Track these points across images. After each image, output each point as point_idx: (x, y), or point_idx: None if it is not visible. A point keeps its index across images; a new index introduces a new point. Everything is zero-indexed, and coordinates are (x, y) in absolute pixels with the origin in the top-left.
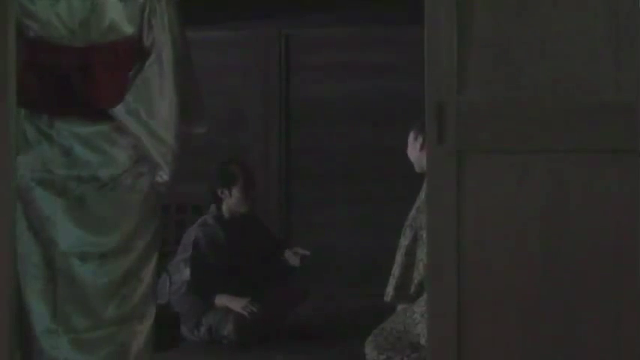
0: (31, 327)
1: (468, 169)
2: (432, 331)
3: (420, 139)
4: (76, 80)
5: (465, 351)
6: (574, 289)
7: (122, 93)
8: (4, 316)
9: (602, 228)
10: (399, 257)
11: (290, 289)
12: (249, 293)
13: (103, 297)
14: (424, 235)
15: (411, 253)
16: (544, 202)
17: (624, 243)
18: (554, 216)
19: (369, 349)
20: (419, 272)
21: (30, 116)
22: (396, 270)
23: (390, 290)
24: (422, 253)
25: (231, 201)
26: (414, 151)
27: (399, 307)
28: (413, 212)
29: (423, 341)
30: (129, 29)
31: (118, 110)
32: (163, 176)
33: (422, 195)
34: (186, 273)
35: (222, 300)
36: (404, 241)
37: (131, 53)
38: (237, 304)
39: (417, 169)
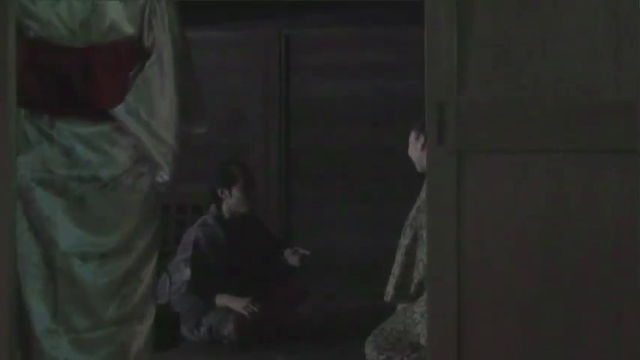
0: (31, 327)
1: (468, 169)
2: (432, 331)
3: (422, 139)
4: (76, 80)
5: (465, 351)
6: (574, 289)
7: (123, 93)
8: (4, 316)
9: (602, 228)
10: (399, 257)
11: (290, 289)
12: (250, 293)
13: (104, 297)
14: (424, 235)
15: (411, 253)
16: (544, 202)
17: (624, 243)
18: (554, 216)
19: (369, 349)
20: (419, 272)
21: (30, 116)
22: (396, 269)
23: (389, 290)
24: (422, 253)
25: (232, 201)
26: (415, 150)
27: (399, 307)
28: (413, 212)
29: (423, 341)
30: (129, 29)
31: (119, 110)
32: (164, 176)
33: (422, 195)
34: (187, 273)
35: (222, 300)
36: (404, 241)
37: (131, 53)
38: (237, 304)
39: (419, 168)
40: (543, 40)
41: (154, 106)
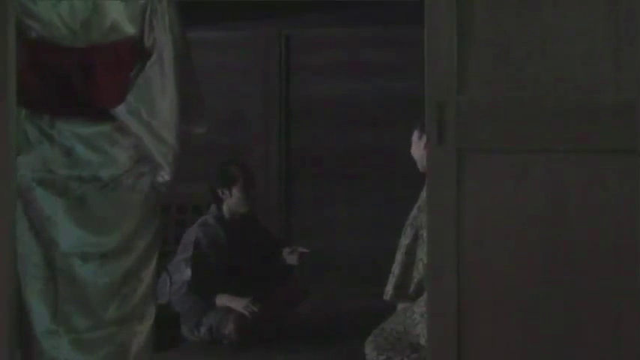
0: (32, 327)
1: (468, 169)
2: (432, 331)
3: (424, 139)
4: (77, 80)
5: (465, 351)
6: (574, 289)
7: (123, 93)
8: (4, 316)
9: (602, 228)
10: (399, 256)
11: (290, 289)
12: (250, 293)
13: (104, 297)
14: (424, 235)
15: (411, 252)
16: (544, 202)
17: (624, 243)
18: (554, 216)
19: (369, 350)
20: (418, 271)
21: (31, 116)
22: (395, 269)
23: (389, 289)
24: (422, 253)
25: (232, 201)
26: (418, 150)
27: (399, 307)
28: (414, 211)
29: (423, 341)
30: (130, 29)
31: (120, 110)
32: (164, 176)
33: (423, 194)
34: (187, 273)
35: (222, 300)
36: (404, 240)
37: (132, 53)
38: (238, 304)
39: (420, 168)
40: (543, 40)
41: (154, 106)
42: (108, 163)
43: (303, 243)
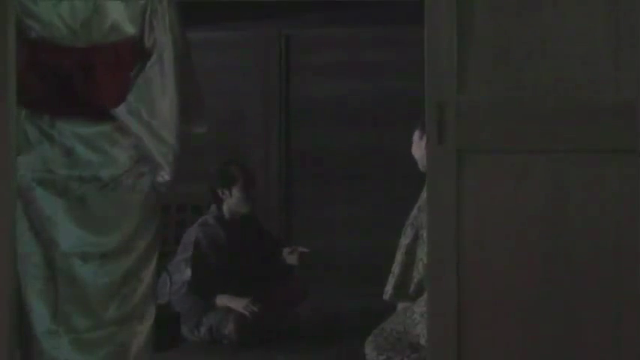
0: (32, 327)
1: (468, 169)
2: (432, 331)
3: (425, 138)
4: (77, 80)
5: (465, 351)
6: (574, 289)
7: (124, 93)
8: (4, 316)
9: (602, 228)
10: (399, 256)
11: (290, 289)
12: (250, 293)
13: (104, 297)
14: (425, 235)
15: (411, 252)
16: (544, 202)
17: (624, 243)
18: (554, 216)
19: (369, 350)
20: (418, 271)
21: (31, 116)
22: (395, 268)
23: (389, 289)
24: (422, 253)
25: (232, 201)
26: (419, 149)
27: (399, 307)
28: (414, 211)
29: (423, 341)
30: (130, 30)
31: (120, 110)
32: (165, 176)
33: (424, 194)
34: (187, 273)
35: (222, 300)
36: (405, 240)
37: (132, 53)
38: (238, 304)
39: (421, 167)
40: (543, 40)
41: (155, 106)
42: (108, 163)
43: (303, 243)
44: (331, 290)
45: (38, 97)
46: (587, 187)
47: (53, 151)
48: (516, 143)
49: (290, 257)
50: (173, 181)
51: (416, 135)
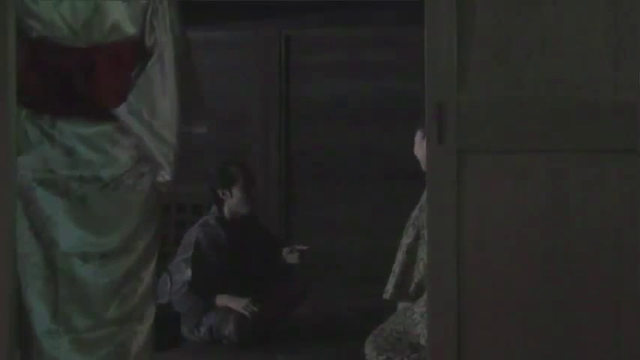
0: (32, 327)
1: (468, 169)
2: (432, 331)
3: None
4: (78, 80)
5: (464, 351)
6: (574, 289)
7: (124, 93)
8: (4, 316)
9: (602, 228)
10: (400, 255)
11: (290, 289)
12: (250, 293)
13: (104, 297)
14: (426, 235)
15: (412, 252)
16: (544, 202)
17: (624, 243)
18: (554, 216)
19: (368, 350)
20: (419, 271)
21: (32, 116)
22: (396, 268)
23: (389, 288)
24: (423, 253)
25: (232, 201)
26: (421, 149)
27: (400, 307)
28: (416, 211)
29: (423, 341)
30: (131, 30)
31: (121, 110)
32: (165, 176)
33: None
34: (187, 273)
35: (222, 300)
36: (406, 240)
37: (133, 53)
38: (238, 304)
39: (424, 167)
40: (543, 40)
41: (155, 106)
42: (109, 163)
43: (303, 243)
44: (331, 290)
45: (39, 97)
46: (587, 187)
47: (54, 151)
48: (516, 143)
49: (290, 257)
50: (173, 181)
51: (418, 135)
